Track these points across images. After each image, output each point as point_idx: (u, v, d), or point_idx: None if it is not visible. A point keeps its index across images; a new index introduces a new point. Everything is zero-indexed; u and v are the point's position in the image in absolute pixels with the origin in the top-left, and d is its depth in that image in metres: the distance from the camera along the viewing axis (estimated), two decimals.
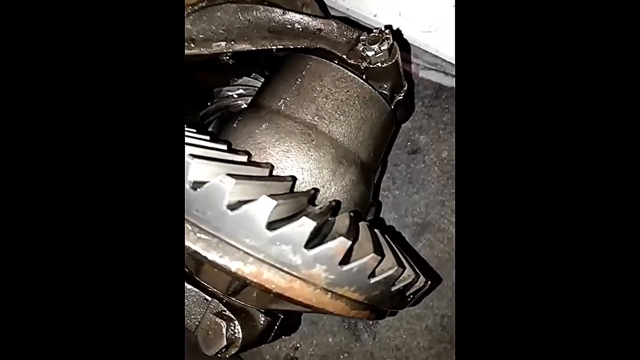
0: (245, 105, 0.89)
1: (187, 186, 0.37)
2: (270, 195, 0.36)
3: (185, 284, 0.55)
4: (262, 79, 0.90)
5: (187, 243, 0.39)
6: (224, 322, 0.53)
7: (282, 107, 0.60)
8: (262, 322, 0.59)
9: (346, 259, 0.39)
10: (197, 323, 0.55)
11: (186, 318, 0.56)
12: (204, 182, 0.36)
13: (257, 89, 0.90)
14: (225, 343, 0.52)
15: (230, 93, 0.88)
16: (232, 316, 0.54)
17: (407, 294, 0.48)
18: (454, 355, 0.96)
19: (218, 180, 0.36)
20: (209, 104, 0.93)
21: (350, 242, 0.38)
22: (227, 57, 0.67)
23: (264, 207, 0.36)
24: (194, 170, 0.36)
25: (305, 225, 0.36)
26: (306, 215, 0.37)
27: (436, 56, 1.06)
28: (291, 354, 1.10)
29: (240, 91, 0.91)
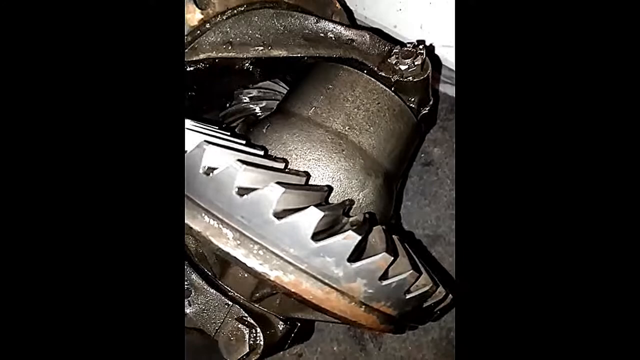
0: (258, 110, 0.90)
1: (232, 192, 0.37)
2: (316, 206, 0.37)
3: (208, 288, 0.55)
4: (282, 84, 0.91)
5: (226, 249, 0.39)
6: (246, 329, 0.53)
7: (313, 115, 0.60)
8: (281, 329, 0.59)
9: (386, 274, 0.39)
10: (216, 327, 0.55)
11: (206, 322, 0.56)
12: (252, 189, 0.37)
13: (276, 92, 0.91)
14: (247, 350, 0.52)
15: (250, 96, 0.89)
16: (254, 322, 0.54)
17: (436, 309, 0.49)
18: None
19: (267, 189, 0.36)
20: (227, 105, 0.93)
21: (392, 258, 0.38)
22: (249, 63, 0.67)
23: (311, 218, 0.36)
24: (243, 177, 0.37)
25: (350, 239, 0.37)
26: (350, 229, 0.37)
27: (453, 70, 1.08)
28: None
29: (260, 94, 0.92)
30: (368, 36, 0.64)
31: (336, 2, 0.72)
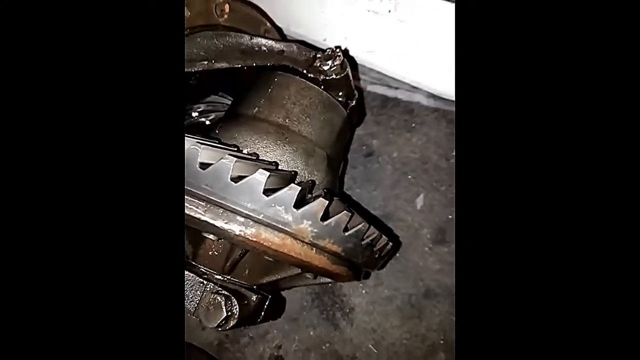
0: (208, 122, 1.01)
1: (196, 167, 0.48)
2: (264, 169, 0.49)
3: (193, 277, 0.64)
4: (227, 97, 1.03)
5: (196, 215, 0.49)
6: (222, 298, 0.62)
7: (257, 113, 0.73)
8: (253, 299, 0.69)
9: (325, 216, 0.52)
10: (195, 305, 0.63)
11: (186, 302, 0.63)
12: (211, 163, 0.48)
13: (223, 104, 1.03)
14: (225, 314, 0.61)
15: (200, 110, 1.00)
16: (229, 294, 0.63)
17: (375, 249, 0.62)
18: (423, 329, 1.10)
19: (224, 160, 0.47)
20: None
21: (327, 202, 0.51)
22: (193, 80, 0.79)
23: (260, 177, 0.48)
24: (203, 154, 0.48)
25: (293, 189, 0.49)
26: (293, 184, 0.50)
27: (380, 72, 1.28)
28: (275, 353, 1.16)
29: (209, 108, 1.03)
30: (295, 46, 0.79)
31: (267, 22, 0.87)
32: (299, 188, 0.49)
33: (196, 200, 0.50)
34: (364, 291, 1.16)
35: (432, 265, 1.14)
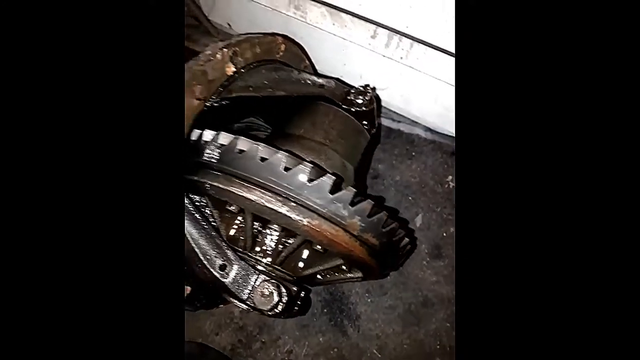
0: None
1: (281, 169, 0.63)
2: (327, 175, 0.65)
3: (240, 261, 0.76)
4: (261, 119, 1.20)
5: (276, 207, 0.64)
6: (273, 286, 0.75)
7: (303, 133, 0.90)
8: (294, 290, 0.81)
9: (371, 213, 0.68)
10: (249, 291, 0.75)
11: (240, 288, 0.75)
12: (291, 168, 0.64)
13: (259, 125, 1.19)
14: (276, 299, 0.73)
15: (241, 128, 1.15)
16: (278, 282, 0.76)
17: (401, 245, 0.78)
18: (421, 335, 1.24)
19: (301, 166, 0.64)
20: None
21: (373, 203, 0.68)
22: (226, 102, 0.95)
23: (329, 181, 0.64)
24: (286, 160, 0.64)
25: (350, 190, 0.65)
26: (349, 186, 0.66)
27: (386, 107, 1.50)
28: (286, 358, 1.25)
29: (247, 127, 1.19)
30: (334, 82, 0.99)
31: (306, 60, 1.07)
32: (354, 190, 0.65)
33: (275, 196, 0.64)
34: (369, 300, 1.29)
35: (430, 277, 1.30)
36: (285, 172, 0.63)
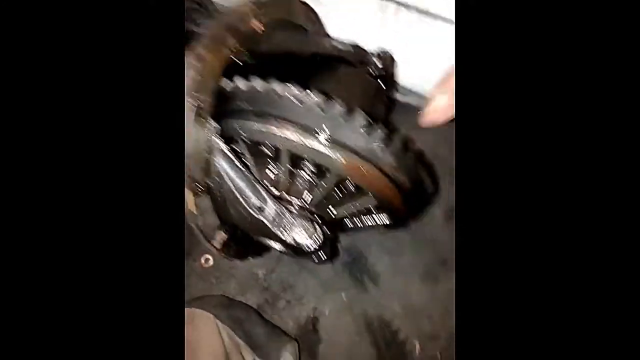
0: None
1: (319, 110, 0.70)
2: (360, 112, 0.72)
3: (277, 202, 0.83)
4: None
5: (317, 147, 0.71)
6: (308, 222, 0.82)
7: (328, 91, 0.97)
8: (327, 233, 0.89)
9: (403, 151, 0.75)
10: (287, 228, 0.82)
11: (278, 225, 0.82)
12: (326, 108, 0.71)
13: None
14: (314, 230, 0.81)
15: None
16: (312, 220, 0.83)
17: (427, 190, 0.85)
18: (439, 292, 1.31)
19: (338, 105, 0.71)
20: None
21: (405, 141, 0.75)
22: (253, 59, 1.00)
23: (361, 118, 0.71)
24: (323, 104, 0.71)
25: (383, 130, 0.72)
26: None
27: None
28: (312, 315, 1.32)
29: None
30: (351, 47, 1.06)
31: (324, 26, 1.14)
32: (387, 130, 0.73)
33: (313, 134, 0.72)
34: (388, 260, 1.37)
35: (446, 238, 1.38)
36: (320, 110, 0.71)
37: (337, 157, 0.72)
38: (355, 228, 0.96)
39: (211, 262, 1.43)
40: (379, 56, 1.05)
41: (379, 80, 1.07)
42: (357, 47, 1.07)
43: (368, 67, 1.05)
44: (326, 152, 0.72)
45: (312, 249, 0.82)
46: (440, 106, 0.54)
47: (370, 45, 1.10)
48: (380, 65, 1.04)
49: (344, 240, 1.38)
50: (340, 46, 1.05)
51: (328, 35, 1.16)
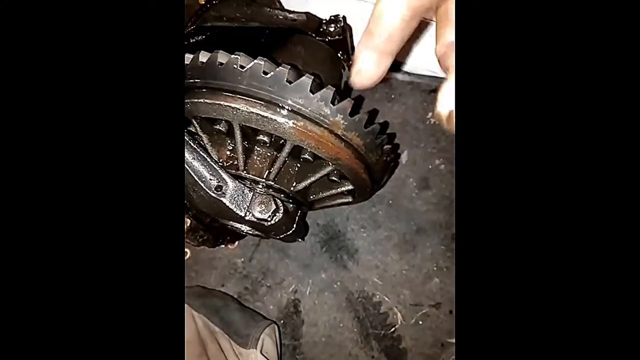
0: None
1: (260, 74, 0.67)
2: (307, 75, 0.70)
3: (235, 181, 0.81)
4: None
5: (260, 112, 0.68)
6: (269, 197, 0.80)
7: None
8: (290, 207, 0.87)
9: (353, 112, 0.73)
10: (246, 205, 0.80)
11: (239, 203, 0.80)
12: (269, 72, 0.68)
13: None
14: (275, 206, 0.79)
15: None
16: (273, 195, 0.81)
17: (384, 148, 0.84)
18: (418, 260, 1.31)
19: (281, 68, 0.68)
20: None
21: (353, 102, 0.73)
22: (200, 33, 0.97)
23: (308, 80, 0.69)
24: (265, 65, 0.68)
25: (330, 89, 0.70)
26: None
27: None
28: (292, 297, 1.31)
29: None
30: (304, 15, 1.03)
31: (277, 1, 1.10)
32: (334, 89, 0.70)
33: (259, 101, 0.69)
34: (365, 234, 1.36)
35: (420, 207, 1.38)
36: (266, 76, 0.68)
37: (288, 123, 0.70)
38: (321, 202, 0.95)
39: (188, 254, 1.40)
40: (332, 22, 1.03)
41: (335, 47, 1.05)
42: (310, 15, 1.04)
43: (323, 35, 1.02)
44: (276, 118, 0.70)
45: (273, 223, 0.80)
46: (365, 68, 0.40)
47: (324, 13, 1.08)
48: (333, 29, 1.02)
49: (320, 218, 1.37)
50: (293, 15, 1.02)
51: (281, 6, 1.13)
